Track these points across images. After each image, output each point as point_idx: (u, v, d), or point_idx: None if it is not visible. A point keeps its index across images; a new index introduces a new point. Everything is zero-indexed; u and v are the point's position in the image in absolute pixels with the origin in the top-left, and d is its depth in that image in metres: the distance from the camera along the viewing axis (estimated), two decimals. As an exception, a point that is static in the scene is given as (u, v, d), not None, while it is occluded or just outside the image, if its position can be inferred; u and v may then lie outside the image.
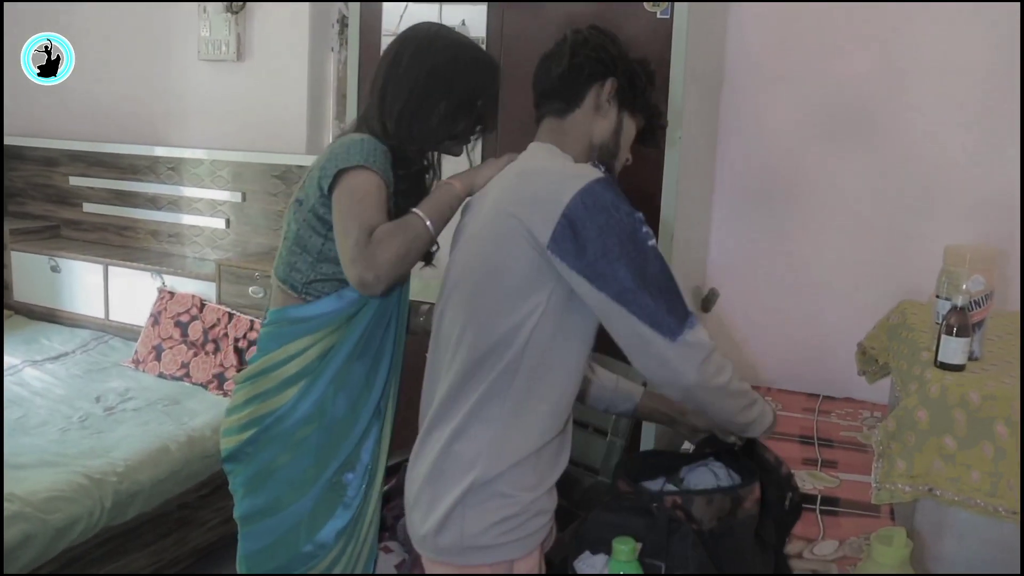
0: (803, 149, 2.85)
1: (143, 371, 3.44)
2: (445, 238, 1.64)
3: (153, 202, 3.98)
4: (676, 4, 2.31)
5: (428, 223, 1.55)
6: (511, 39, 2.52)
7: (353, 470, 1.70)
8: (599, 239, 1.34)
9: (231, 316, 3.38)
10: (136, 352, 3.52)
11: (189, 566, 2.86)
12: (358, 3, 2.74)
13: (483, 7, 2.55)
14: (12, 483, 2.39)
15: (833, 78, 2.78)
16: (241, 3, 3.63)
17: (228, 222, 3.78)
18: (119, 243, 4.10)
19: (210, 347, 3.37)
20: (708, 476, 1.56)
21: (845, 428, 2.51)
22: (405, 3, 2.63)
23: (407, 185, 1.66)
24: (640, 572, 1.35)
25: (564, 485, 1.54)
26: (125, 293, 3.78)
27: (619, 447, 2.11)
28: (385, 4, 2.67)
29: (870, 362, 2.37)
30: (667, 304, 1.35)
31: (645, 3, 2.35)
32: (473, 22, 2.55)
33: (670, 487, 1.56)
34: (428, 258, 1.74)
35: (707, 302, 2.88)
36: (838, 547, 1.83)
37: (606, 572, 1.38)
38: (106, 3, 3.99)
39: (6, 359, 3.46)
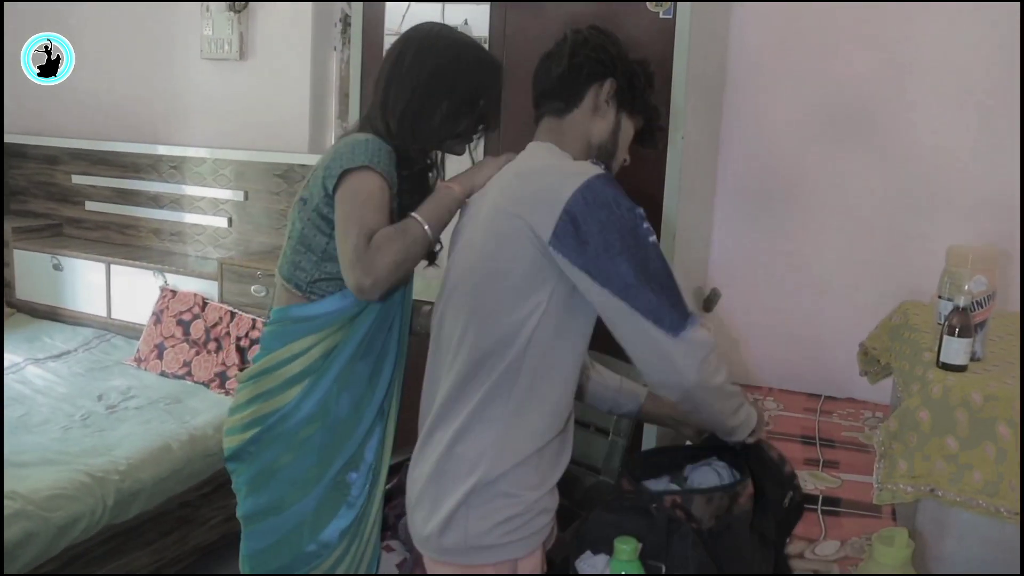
0: (805, 149, 2.85)
1: (145, 369, 3.44)
2: (447, 237, 1.65)
3: (155, 200, 3.98)
4: (678, 4, 2.31)
5: (427, 227, 1.56)
6: (513, 39, 2.52)
7: (357, 469, 1.70)
8: (601, 234, 1.34)
9: (233, 315, 3.39)
10: (138, 350, 3.53)
11: (190, 564, 2.86)
12: (361, 2, 2.74)
13: (486, 7, 2.55)
14: (14, 481, 2.39)
15: (835, 78, 2.78)
16: (244, 2, 3.63)
17: (230, 221, 3.78)
18: (121, 241, 4.10)
19: (212, 346, 3.37)
20: (712, 475, 1.56)
21: (847, 428, 2.51)
22: (408, 2, 2.63)
23: (410, 185, 1.67)
24: (642, 572, 1.36)
25: (566, 484, 1.54)
26: (127, 291, 3.78)
27: (621, 447, 2.12)
28: (388, 3, 2.67)
29: (872, 362, 2.37)
30: (669, 300, 1.35)
31: (647, 3, 2.35)
32: (475, 21, 2.55)
33: (673, 486, 1.56)
34: (432, 257, 1.74)
35: (709, 302, 2.88)
36: (840, 547, 1.83)
37: (607, 572, 1.38)
38: (109, 2, 3.99)
39: (9, 357, 3.47)
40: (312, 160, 3.31)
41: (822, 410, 2.66)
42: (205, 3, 3.71)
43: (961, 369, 1.65)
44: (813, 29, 2.79)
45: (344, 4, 3.51)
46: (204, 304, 3.48)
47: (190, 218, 3.90)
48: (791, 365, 2.92)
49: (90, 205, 4.16)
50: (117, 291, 3.81)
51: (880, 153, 2.75)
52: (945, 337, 1.66)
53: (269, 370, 1.68)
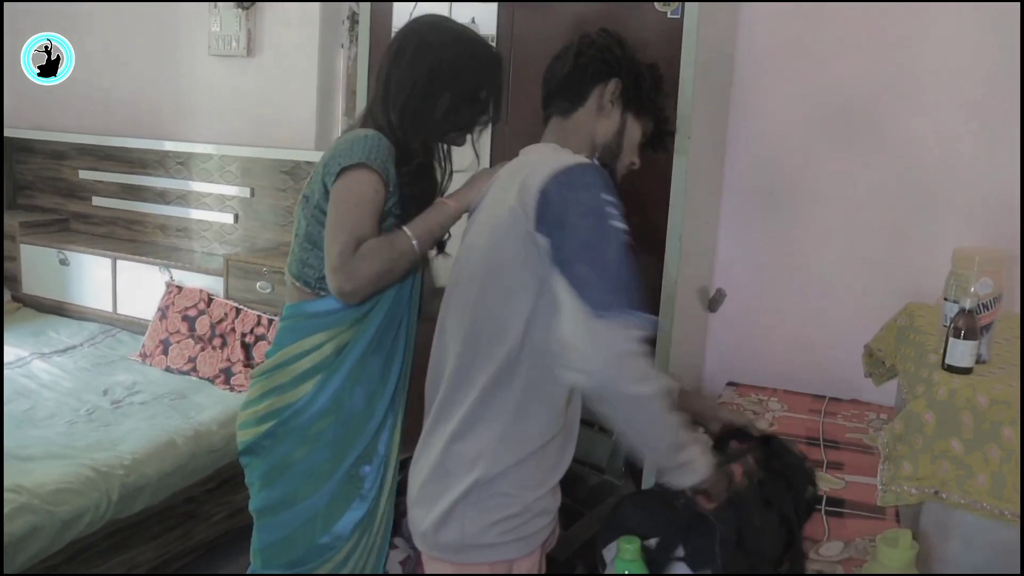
0: (810, 150, 2.85)
1: (150, 365, 3.45)
2: (456, 231, 1.66)
3: (162, 196, 3.99)
4: (686, 4, 2.31)
5: (415, 242, 1.60)
6: (521, 37, 2.52)
7: (370, 462, 1.72)
8: (563, 213, 1.34)
9: (238, 311, 3.40)
10: (143, 346, 3.54)
11: (194, 560, 2.87)
12: (369, 1, 2.74)
13: (493, 5, 2.55)
14: (20, 475, 2.40)
15: (840, 79, 2.78)
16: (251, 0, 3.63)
17: (236, 217, 3.79)
18: (128, 237, 4.12)
19: (217, 342, 3.38)
20: None
21: (851, 430, 2.50)
22: (416, 1, 2.63)
23: (412, 177, 1.68)
24: (645, 572, 1.36)
25: (569, 483, 1.54)
26: (133, 287, 3.79)
27: (625, 446, 2.12)
28: (396, 2, 2.68)
29: (877, 364, 2.36)
30: (606, 283, 1.29)
31: (655, 3, 2.35)
32: (483, 20, 2.55)
33: None
34: (441, 246, 1.77)
35: (714, 303, 2.88)
36: (843, 548, 1.83)
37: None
38: (117, 1, 4.00)
39: (15, 351, 3.49)
40: (318, 157, 3.31)
41: (826, 411, 2.66)
42: (213, 0, 3.71)
43: (966, 371, 1.64)
44: (819, 30, 2.79)
45: (352, 2, 3.51)
46: (210, 300, 3.49)
47: (196, 214, 3.91)
48: (795, 366, 2.92)
49: (97, 200, 4.17)
50: (123, 286, 3.83)
51: (885, 154, 2.74)
52: (951, 339, 1.65)
53: (282, 365, 1.70)
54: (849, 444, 2.40)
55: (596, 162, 1.49)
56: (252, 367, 3.14)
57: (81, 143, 4.16)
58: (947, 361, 1.66)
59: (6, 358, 3.39)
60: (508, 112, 2.46)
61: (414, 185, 1.67)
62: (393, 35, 1.76)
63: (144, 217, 4.06)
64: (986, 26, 2.57)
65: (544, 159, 1.45)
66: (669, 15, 2.34)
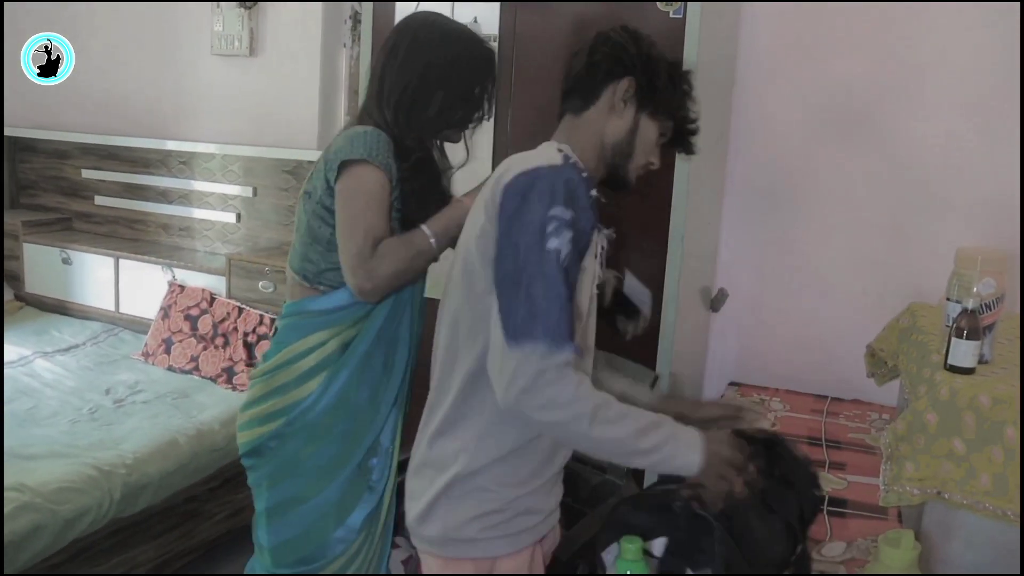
0: (812, 150, 2.85)
1: (152, 364, 3.45)
2: None
3: (164, 196, 4.00)
4: (688, 4, 2.31)
5: (432, 240, 1.61)
6: (523, 37, 2.52)
7: (377, 455, 1.73)
8: (508, 222, 1.34)
9: (241, 310, 3.40)
10: (146, 345, 3.54)
11: (196, 559, 2.87)
12: (371, 1, 2.74)
13: (496, 5, 2.54)
14: (23, 474, 2.40)
15: (842, 79, 2.78)
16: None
17: (239, 217, 3.79)
18: (130, 236, 4.12)
19: (219, 341, 3.38)
20: None
21: (853, 430, 2.50)
22: (418, 1, 2.63)
23: (411, 172, 1.68)
24: (647, 572, 1.36)
25: (571, 483, 1.54)
26: (135, 286, 3.80)
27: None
28: (398, 2, 2.67)
29: (879, 364, 2.36)
30: (529, 309, 1.28)
31: (658, 3, 2.35)
32: (486, 20, 2.55)
33: None
34: (452, 243, 1.78)
35: (716, 302, 2.88)
36: (846, 549, 1.83)
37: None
38: (118, 2, 4.00)
39: (17, 350, 3.49)
40: (321, 157, 3.32)
41: (828, 411, 2.66)
42: (216, 0, 3.71)
43: (969, 372, 1.64)
44: (821, 30, 2.79)
45: (354, 2, 3.51)
46: (212, 299, 3.49)
47: (199, 213, 3.91)
48: (798, 366, 2.92)
49: (99, 200, 4.17)
50: (125, 285, 3.83)
51: (887, 154, 2.74)
52: (953, 339, 1.65)
53: (285, 364, 1.70)
54: (851, 444, 2.40)
55: (572, 163, 1.45)
56: (254, 366, 3.14)
57: (84, 143, 4.16)
58: (949, 361, 1.66)
59: (9, 357, 3.39)
60: (509, 112, 2.46)
61: (414, 180, 1.68)
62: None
63: (146, 216, 4.06)
64: (986, 26, 2.57)
65: (525, 158, 1.43)
66: (671, 15, 2.34)
